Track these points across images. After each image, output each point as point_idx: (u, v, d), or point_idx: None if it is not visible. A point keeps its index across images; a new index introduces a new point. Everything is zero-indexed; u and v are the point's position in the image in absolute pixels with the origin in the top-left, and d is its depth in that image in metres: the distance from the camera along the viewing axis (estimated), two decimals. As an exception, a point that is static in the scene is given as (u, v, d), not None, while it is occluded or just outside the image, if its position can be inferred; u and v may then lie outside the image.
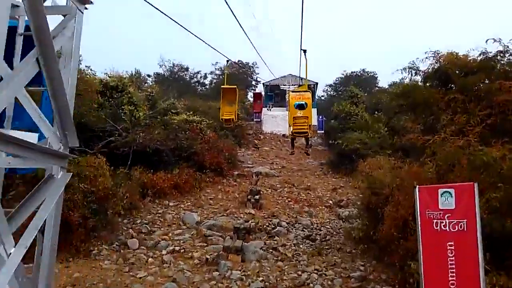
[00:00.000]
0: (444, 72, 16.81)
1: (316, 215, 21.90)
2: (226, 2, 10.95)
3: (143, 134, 23.29)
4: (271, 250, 16.64)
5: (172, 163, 24.69)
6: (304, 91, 14.65)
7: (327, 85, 57.29)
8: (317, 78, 50.95)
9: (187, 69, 50.49)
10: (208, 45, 15.13)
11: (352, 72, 54.61)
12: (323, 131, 41.56)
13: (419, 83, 18.49)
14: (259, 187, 25.28)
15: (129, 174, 22.10)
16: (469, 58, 17.20)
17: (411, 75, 17.98)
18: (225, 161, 28.47)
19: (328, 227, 20.36)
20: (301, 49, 13.61)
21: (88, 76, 24.75)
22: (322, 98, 57.70)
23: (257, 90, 29.37)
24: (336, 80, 55.46)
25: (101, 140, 22.45)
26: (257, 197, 22.16)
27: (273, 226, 19.46)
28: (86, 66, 24.44)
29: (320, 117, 42.51)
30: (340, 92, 53.06)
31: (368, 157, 29.01)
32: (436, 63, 16.84)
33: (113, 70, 28.97)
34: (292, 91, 17.32)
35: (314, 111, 43.82)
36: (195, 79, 51.32)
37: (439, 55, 17.34)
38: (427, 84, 17.79)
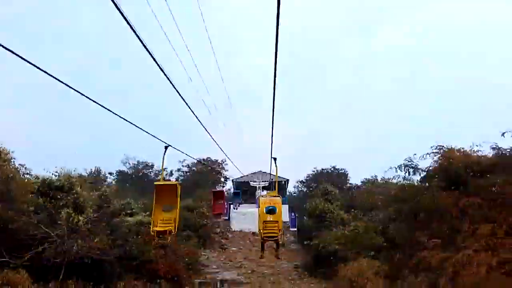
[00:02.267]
0: (452, 171, 13.80)
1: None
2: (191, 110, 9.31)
3: (81, 241, 18.56)
4: None
5: (117, 275, 19.69)
6: (274, 196, 14.05)
7: (298, 181, 54.35)
8: (287, 175, 48.02)
9: (152, 166, 46.93)
10: (169, 145, 12.37)
11: (322, 169, 52.11)
12: (295, 229, 37.30)
13: (417, 183, 15.40)
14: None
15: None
16: (478, 155, 14.42)
17: (408, 173, 14.92)
18: (185, 268, 23.59)
19: None
20: (271, 157, 13.39)
21: (23, 176, 20.56)
22: (294, 194, 54.26)
23: (218, 188, 24.61)
24: (307, 177, 52.71)
25: (29, 250, 17.63)
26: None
27: None
28: (19, 165, 20.36)
29: (292, 214, 38.56)
30: (311, 189, 49.95)
31: (349, 259, 24.81)
32: (440, 159, 13.86)
33: (64, 168, 24.62)
34: (262, 196, 17.59)
35: (285, 207, 40.04)
36: (160, 177, 47.48)
37: (442, 150, 14.51)
38: (430, 185, 14.59)
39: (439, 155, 15.29)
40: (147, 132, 11.25)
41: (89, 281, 18.25)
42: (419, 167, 15.77)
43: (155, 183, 11.78)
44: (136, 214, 26.74)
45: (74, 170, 25.21)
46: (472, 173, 14.08)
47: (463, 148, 15.13)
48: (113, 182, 45.65)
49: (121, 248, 20.31)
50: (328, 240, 26.74)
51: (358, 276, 23.02)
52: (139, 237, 22.53)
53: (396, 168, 15.79)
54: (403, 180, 16.73)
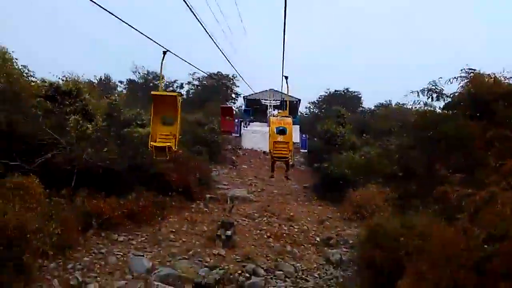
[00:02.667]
0: (480, 98, 12.44)
1: (301, 257, 17.07)
2: (200, 21, 7.54)
3: (91, 150, 18.12)
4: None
5: (129, 186, 19.58)
6: (285, 116, 12.85)
7: (310, 102, 53.11)
8: (299, 94, 46.71)
9: (162, 77, 45.05)
10: (168, 50, 10.98)
11: (335, 91, 50.56)
12: (306, 150, 36.97)
13: (439, 110, 14.15)
14: (233, 217, 20.35)
15: (71, 199, 17.00)
16: (509, 82, 12.92)
17: (431, 99, 13.57)
18: (196, 182, 23.54)
19: (316, 276, 15.56)
20: (283, 76, 12.25)
21: (28, 78, 19.45)
22: (305, 115, 53.36)
23: (228, 104, 23.08)
24: (319, 98, 51.33)
25: (39, 156, 17.27)
26: (229, 232, 17.18)
27: (247, 275, 14.55)
28: (22, 66, 19.08)
29: (303, 135, 37.95)
30: (323, 110, 48.88)
31: (358, 184, 24.65)
32: (468, 85, 12.40)
33: (72, 73, 23.43)
34: (273, 116, 16.14)
35: (296, 128, 39.35)
36: (171, 89, 46.31)
37: (471, 74, 12.99)
38: (455, 113, 13.33)
39: (467, 80, 13.72)
40: (146, 36, 10.02)
41: (100, 190, 18.14)
42: (443, 92, 14.28)
43: (153, 92, 9.93)
44: (147, 125, 26.12)
45: (82, 76, 24.13)
46: (502, 102, 12.71)
47: (494, 74, 13.53)
48: (124, 91, 44.79)
49: (132, 159, 19.96)
50: (338, 164, 26.40)
51: (366, 201, 23.04)
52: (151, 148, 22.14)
53: (418, 92, 14.30)
54: (424, 106, 15.33)
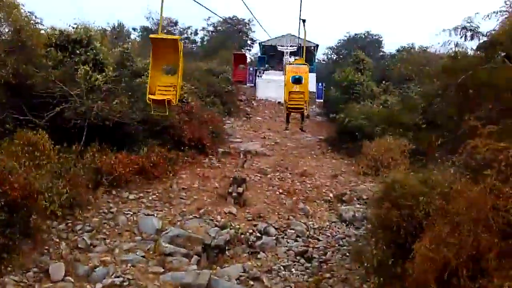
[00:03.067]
0: None
1: (314, 214, 16.72)
2: None
3: (102, 102, 17.55)
4: (251, 283, 11.55)
5: (140, 140, 19.19)
6: (301, 64, 12.75)
7: (328, 48, 50.73)
8: (317, 40, 44.53)
9: (176, 23, 43.77)
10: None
11: (356, 35, 47.94)
12: (322, 100, 35.78)
13: (471, 52, 12.56)
14: (245, 173, 19.97)
15: (81, 156, 16.75)
16: None
17: (465, 38, 11.92)
18: (209, 135, 23.01)
19: (328, 234, 15.26)
20: (300, 19, 12.02)
21: (35, 26, 18.47)
22: (323, 61, 51.25)
23: (240, 51, 21.09)
24: (338, 42, 48.94)
25: (48, 110, 16.85)
26: (240, 189, 16.85)
27: (258, 235, 14.33)
28: (29, 13, 18.03)
29: (320, 84, 36.53)
30: (342, 56, 46.77)
31: (374, 136, 23.73)
32: (510, 21, 10.73)
33: (83, 21, 22.30)
34: (289, 64, 15.21)
35: (313, 76, 37.82)
36: (185, 35, 44.76)
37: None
38: (493, 55, 11.79)
39: (509, 15, 11.83)
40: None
41: (112, 145, 17.81)
42: (479, 30, 12.43)
43: (151, 36, 8.84)
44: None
45: (93, 23, 23.05)
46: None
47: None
48: (137, 38, 43.47)
49: (143, 112, 19.38)
50: (355, 115, 25.38)
51: (382, 154, 22.25)
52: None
53: (450, 31, 12.41)
54: (455, 47, 13.41)
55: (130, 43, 27.32)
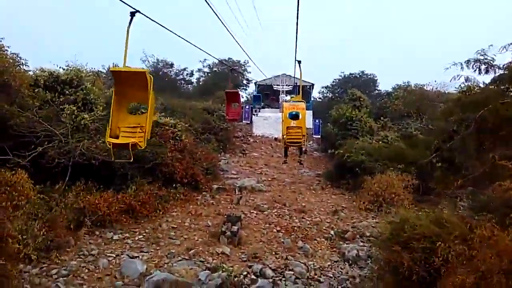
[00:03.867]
0: None
1: (314, 253, 15.20)
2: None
3: (89, 141, 16.51)
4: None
5: (129, 179, 17.96)
6: (298, 101, 13.04)
7: (323, 87, 50.64)
8: (313, 79, 44.39)
9: (171, 65, 43.67)
10: (189, 42, 10.17)
11: (350, 74, 47.93)
12: (319, 136, 34.86)
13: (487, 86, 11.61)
14: (240, 209, 18.62)
15: (65, 194, 15.51)
16: None
17: (479, 71, 11.02)
18: (203, 172, 21.82)
19: (330, 276, 13.70)
20: (295, 60, 12.23)
21: (19, 67, 17.78)
22: (319, 99, 50.96)
23: (230, 89, 20.07)
24: (333, 82, 48.83)
25: (32, 150, 15.73)
26: (235, 228, 15.41)
27: (253, 277, 12.78)
28: (14, 54, 17.32)
29: (317, 120, 35.80)
30: (337, 95, 46.45)
31: (375, 171, 22.54)
32: None
33: (75, 62, 21.72)
34: (285, 101, 16.41)
35: (309, 113, 37.15)
36: (181, 77, 44.59)
37: None
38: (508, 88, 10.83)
39: None
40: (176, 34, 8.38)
41: (99, 183, 16.61)
42: (494, 63, 11.49)
43: (112, 68, 7.51)
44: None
45: (86, 64, 22.53)
46: None
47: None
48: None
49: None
50: (355, 150, 24.29)
51: (384, 190, 20.97)
52: (154, 138, 20.50)
53: (461, 64, 11.49)
54: (465, 82, 12.42)
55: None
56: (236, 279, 12.22)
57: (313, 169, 27.36)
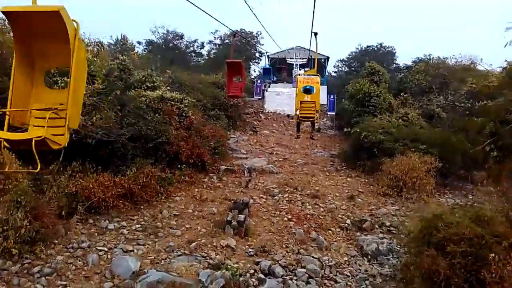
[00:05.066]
0: None
1: (328, 246, 13.51)
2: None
3: (83, 117, 14.75)
4: None
5: (130, 159, 16.34)
6: (313, 75, 12.45)
7: (338, 61, 47.78)
8: (327, 53, 41.73)
9: (181, 36, 41.26)
10: (203, 10, 9.34)
11: (368, 47, 45.02)
12: (334, 113, 32.63)
13: None
14: (249, 194, 16.94)
15: (56, 178, 13.95)
16: None
17: None
18: (211, 151, 20.09)
19: (348, 274, 12.03)
20: (312, 32, 11.78)
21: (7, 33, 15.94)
22: (334, 74, 48.25)
23: (231, 60, 16.97)
24: (349, 55, 45.98)
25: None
26: (242, 216, 13.74)
27: (261, 276, 11.17)
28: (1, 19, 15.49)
29: (331, 96, 33.48)
30: (353, 69, 43.73)
31: (395, 152, 20.53)
32: None
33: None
34: (299, 75, 14.75)
35: (324, 89, 34.90)
36: (192, 49, 42.30)
37: None
38: None
39: None
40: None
41: (97, 165, 15.02)
42: None
43: (3, 9, 3.95)
44: (159, 87, 22.58)
45: (89, 35, 20.59)
46: None
47: None
48: (143, 52, 41.18)
49: (132, 128, 16.56)
50: (372, 129, 22.19)
51: (406, 173, 19.00)
52: (158, 115, 18.75)
53: None
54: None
55: (127, 56, 24.64)
56: (241, 278, 10.61)
57: (327, 149, 25.41)
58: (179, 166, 17.95)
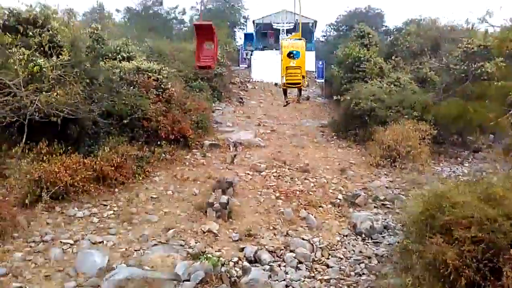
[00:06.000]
0: None
1: (319, 226, 12.36)
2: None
3: (44, 94, 13.07)
4: None
5: (103, 138, 14.82)
6: (297, 39, 11.82)
7: (327, 25, 45.63)
8: (316, 17, 39.58)
9: (161, 2, 38.49)
10: None
11: (356, 9, 42.87)
12: (323, 80, 31.07)
13: None
14: (234, 170, 15.67)
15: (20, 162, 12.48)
16: None
17: None
18: (193, 126, 18.62)
19: (341, 256, 10.92)
20: None
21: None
22: (322, 41, 46.11)
23: (200, 22, 14.56)
24: (337, 18, 43.80)
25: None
26: (225, 198, 12.44)
27: (245, 265, 10.00)
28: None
29: (320, 62, 31.80)
30: (342, 33, 41.73)
31: (387, 120, 19.32)
32: None
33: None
34: (284, 40, 14.30)
35: (312, 55, 33.25)
36: (173, 15, 39.74)
37: None
38: None
39: None
40: None
41: (66, 145, 13.51)
42: None
43: None
44: (134, 58, 20.70)
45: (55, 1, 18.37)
46: None
47: None
48: (124, 20, 38.63)
49: (104, 103, 14.94)
50: (363, 96, 20.83)
51: (399, 142, 17.81)
52: (133, 88, 17.09)
53: None
54: None
55: (100, 24, 22.56)
56: (223, 268, 9.42)
57: (316, 118, 24.05)
58: (159, 143, 16.55)
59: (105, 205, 12.15)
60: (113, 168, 13.39)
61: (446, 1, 57.52)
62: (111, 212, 11.70)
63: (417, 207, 8.41)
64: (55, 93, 12.48)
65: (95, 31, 21.14)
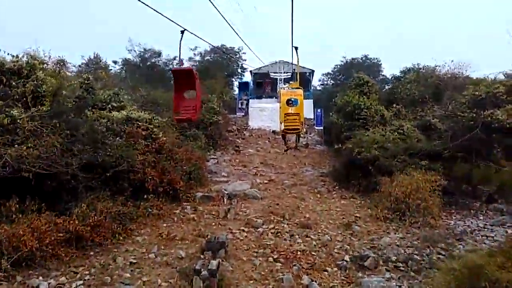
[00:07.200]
0: None
1: (325, 296, 10.46)
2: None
3: (19, 146, 11.67)
4: None
5: (82, 193, 13.22)
6: (296, 88, 12.04)
7: (323, 74, 45.46)
8: (313, 67, 39.32)
9: (159, 54, 38.40)
10: (185, 29, 8.78)
11: (353, 59, 42.75)
12: (321, 127, 29.94)
13: None
14: (228, 226, 13.92)
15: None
16: None
17: None
18: (184, 177, 17.12)
19: (351, 337, 8.96)
20: (292, 46, 11.67)
21: None
22: (319, 89, 45.72)
23: (180, 67, 13.17)
24: (334, 68, 43.66)
25: None
26: (215, 263, 10.60)
27: None
28: None
29: (318, 110, 30.90)
30: (339, 81, 41.34)
31: (393, 170, 17.76)
32: None
33: (34, 50, 16.62)
34: (283, 89, 14.78)
35: (310, 103, 32.50)
36: (170, 66, 39.53)
37: None
38: None
39: None
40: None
41: (42, 201, 11.92)
42: None
43: None
44: (126, 107, 19.58)
45: (48, 52, 17.39)
46: None
47: None
48: (123, 71, 38.29)
49: (86, 155, 13.50)
50: (366, 144, 19.47)
51: (408, 194, 16.15)
52: (120, 138, 15.77)
53: None
54: None
55: (91, 74, 21.69)
56: None
57: (316, 166, 22.52)
58: (145, 196, 14.95)
59: (75, 272, 10.31)
60: (89, 228, 11.71)
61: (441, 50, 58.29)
62: (81, 282, 9.83)
63: (446, 284, 6.66)
64: (26, 147, 11.02)
65: (86, 81, 20.17)
